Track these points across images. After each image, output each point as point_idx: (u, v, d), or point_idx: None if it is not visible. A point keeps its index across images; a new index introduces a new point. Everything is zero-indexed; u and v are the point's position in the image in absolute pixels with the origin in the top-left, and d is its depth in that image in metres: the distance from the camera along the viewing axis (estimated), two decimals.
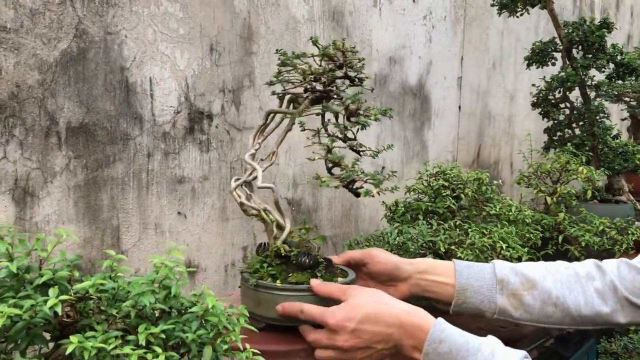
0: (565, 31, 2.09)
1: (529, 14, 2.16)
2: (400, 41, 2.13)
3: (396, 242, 1.40)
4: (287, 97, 1.18)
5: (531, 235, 1.55)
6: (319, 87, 1.18)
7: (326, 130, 1.16)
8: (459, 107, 2.49)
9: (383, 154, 2.12)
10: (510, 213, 1.50)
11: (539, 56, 2.18)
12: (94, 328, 0.71)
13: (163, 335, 0.70)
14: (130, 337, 0.69)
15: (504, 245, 1.36)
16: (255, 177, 1.13)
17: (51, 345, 0.73)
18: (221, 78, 1.52)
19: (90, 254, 1.29)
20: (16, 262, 0.71)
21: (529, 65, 2.20)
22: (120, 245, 1.35)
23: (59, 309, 0.66)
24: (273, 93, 1.17)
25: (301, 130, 1.13)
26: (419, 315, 0.96)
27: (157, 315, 0.75)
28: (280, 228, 1.13)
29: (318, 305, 1.01)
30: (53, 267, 0.75)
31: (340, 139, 1.17)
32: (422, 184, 1.57)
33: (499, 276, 1.17)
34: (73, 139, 1.24)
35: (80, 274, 0.74)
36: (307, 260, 1.09)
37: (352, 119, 1.17)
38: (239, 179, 1.14)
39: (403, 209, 1.56)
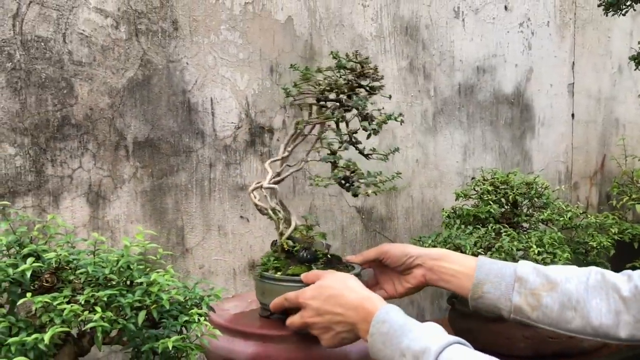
0: None
1: (634, 10, 2.00)
2: (490, 50, 2.11)
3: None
4: (306, 107, 1.30)
5: (593, 242, 1.45)
6: (332, 96, 1.28)
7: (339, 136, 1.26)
8: (572, 115, 2.36)
9: (471, 164, 2.11)
10: (562, 219, 1.43)
11: None
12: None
13: (105, 299, 0.86)
14: (80, 298, 0.86)
15: (538, 250, 1.31)
16: (277, 181, 1.27)
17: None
18: (282, 96, 1.67)
19: (156, 250, 1.51)
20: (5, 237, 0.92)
21: (637, 65, 2.03)
22: (185, 244, 1.56)
23: (28, 273, 0.86)
24: (291, 104, 1.30)
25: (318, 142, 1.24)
26: (372, 301, 1.01)
27: (112, 285, 0.91)
28: (288, 225, 1.24)
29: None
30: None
31: (348, 142, 1.26)
32: (474, 189, 1.57)
33: (519, 274, 1.14)
34: (139, 152, 1.48)
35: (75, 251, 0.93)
36: (306, 255, 1.19)
37: (362, 124, 1.26)
38: (259, 183, 1.28)
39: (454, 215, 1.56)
